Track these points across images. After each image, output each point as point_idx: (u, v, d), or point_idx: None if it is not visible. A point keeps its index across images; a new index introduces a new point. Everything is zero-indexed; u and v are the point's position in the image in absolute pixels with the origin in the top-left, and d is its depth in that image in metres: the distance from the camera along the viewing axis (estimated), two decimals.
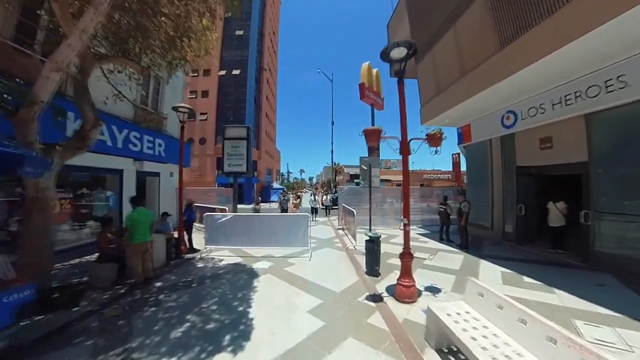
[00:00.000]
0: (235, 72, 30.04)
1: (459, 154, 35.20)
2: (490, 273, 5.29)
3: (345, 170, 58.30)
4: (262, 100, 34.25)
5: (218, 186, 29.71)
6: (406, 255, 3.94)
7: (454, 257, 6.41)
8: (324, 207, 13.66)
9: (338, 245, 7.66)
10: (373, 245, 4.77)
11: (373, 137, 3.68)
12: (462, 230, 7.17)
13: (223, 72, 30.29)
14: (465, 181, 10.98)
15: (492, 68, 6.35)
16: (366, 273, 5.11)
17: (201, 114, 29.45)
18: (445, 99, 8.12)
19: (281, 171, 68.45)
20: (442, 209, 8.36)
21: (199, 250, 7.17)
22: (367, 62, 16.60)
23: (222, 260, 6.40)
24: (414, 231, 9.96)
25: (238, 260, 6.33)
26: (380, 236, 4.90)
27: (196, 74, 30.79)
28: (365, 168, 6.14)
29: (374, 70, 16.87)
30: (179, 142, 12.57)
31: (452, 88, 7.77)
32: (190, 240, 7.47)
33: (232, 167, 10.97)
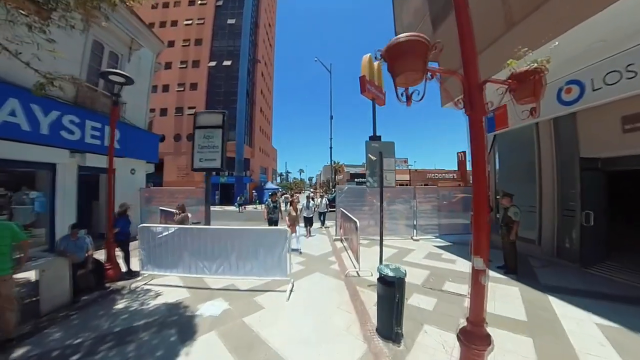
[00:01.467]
0: (227, 63, 27.85)
1: (464, 152, 33.23)
2: (582, 329, 3.18)
3: (346, 169, 56.37)
4: (255, 94, 32.07)
5: None
6: (478, 339, 1.83)
7: (506, 292, 4.30)
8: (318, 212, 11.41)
9: (334, 267, 5.53)
10: (392, 291, 2.63)
11: (410, 61, 1.53)
12: (509, 248, 5.07)
13: (213, 64, 28.13)
14: (494, 180, 8.87)
15: (561, 9, 4.28)
16: (378, 332, 2.99)
17: (189, 107, 27.30)
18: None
19: (279, 171, 66.40)
20: None
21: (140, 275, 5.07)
22: (368, 54, 15.15)
23: (159, 294, 4.29)
24: (431, 242, 7.86)
25: (182, 295, 4.22)
26: (405, 274, 2.75)
27: (184, 66, 28.72)
28: (374, 158, 4.03)
29: (375, 63, 15.65)
30: (142, 132, 10.51)
31: (488, 52, 5.66)
32: (127, 260, 5.37)
33: (204, 162, 8.78)
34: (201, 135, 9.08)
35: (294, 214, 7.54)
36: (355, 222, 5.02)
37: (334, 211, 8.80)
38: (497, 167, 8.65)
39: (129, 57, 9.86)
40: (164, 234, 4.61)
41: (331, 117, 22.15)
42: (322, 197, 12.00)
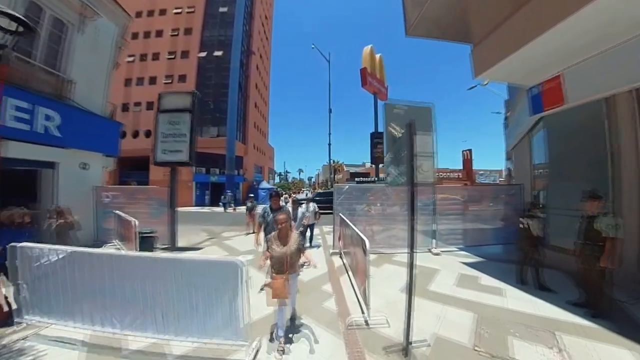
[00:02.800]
0: (217, 53, 26.00)
1: (469, 150, 31.44)
2: None
3: (345, 168, 54.66)
4: (249, 88, 30.20)
5: (196, 185, 25.78)
6: None
7: (612, 356, 2.54)
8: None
9: (330, 306, 3.70)
10: None
11: None
12: (596, 279, 3.29)
13: (203, 54, 26.29)
14: (532, 174, 7.12)
15: None
16: None
17: None
18: (530, 21, 4.23)
19: (277, 170, 64.61)
20: (523, 226, 4.49)
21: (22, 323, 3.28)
22: (369, 46, 13.93)
23: None
24: (456, 257, 6.10)
25: None
26: None
27: (173, 57, 26.88)
28: (399, 135, 2.28)
29: (377, 56, 14.48)
30: (98, 119, 8.55)
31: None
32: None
33: (168, 154, 7.06)
34: (165, 121, 7.29)
35: (285, 248, 2.74)
36: (363, 240, 3.22)
37: (330, 213, 6.98)
38: (537, 158, 6.91)
39: (80, 27, 8.07)
40: (52, 259, 2.83)
41: (330, 110, 20.41)
42: (309, 201, 7.32)
